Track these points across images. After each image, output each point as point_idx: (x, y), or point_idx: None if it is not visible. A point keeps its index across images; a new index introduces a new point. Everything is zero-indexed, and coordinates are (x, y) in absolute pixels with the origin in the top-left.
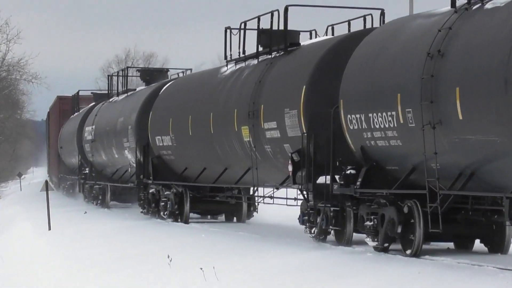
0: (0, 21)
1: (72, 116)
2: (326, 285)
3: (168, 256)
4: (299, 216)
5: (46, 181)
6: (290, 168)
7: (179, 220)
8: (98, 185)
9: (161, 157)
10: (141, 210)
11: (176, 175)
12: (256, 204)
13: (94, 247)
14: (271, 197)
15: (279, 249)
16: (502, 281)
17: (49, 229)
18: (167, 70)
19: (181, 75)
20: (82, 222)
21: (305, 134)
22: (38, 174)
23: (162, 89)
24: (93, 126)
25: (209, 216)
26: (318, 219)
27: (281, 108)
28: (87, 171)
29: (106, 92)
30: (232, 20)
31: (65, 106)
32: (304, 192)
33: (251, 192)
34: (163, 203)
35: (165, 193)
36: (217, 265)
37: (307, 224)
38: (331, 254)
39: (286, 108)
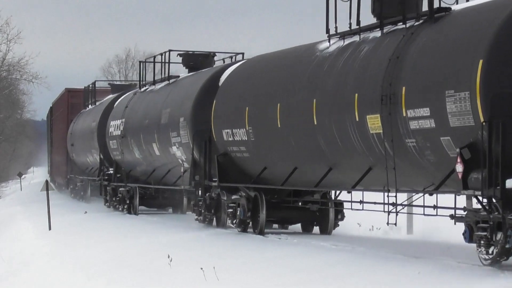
0: (1, 21)
1: (84, 110)
2: (326, 285)
3: (168, 256)
4: (465, 231)
5: (46, 181)
6: (460, 168)
7: (251, 230)
8: (124, 188)
9: (229, 155)
10: (196, 217)
11: (249, 176)
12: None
13: (94, 246)
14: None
15: (280, 249)
16: (502, 281)
17: (49, 229)
18: (214, 54)
19: (228, 60)
20: (82, 222)
21: (485, 123)
22: (38, 174)
23: (228, 73)
24: (123, 120)
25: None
26: (499, 236)
27: (439, 90)
28: (111, 171)
29: (124, 83)
30: (232, 19)
31: (75, 99)
32: (483, 200)
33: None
34: (231, 210)
35: (233, 197)
36: (218, 265)
37: (482, 242)
38: (331, 255)
39: (449, 90)
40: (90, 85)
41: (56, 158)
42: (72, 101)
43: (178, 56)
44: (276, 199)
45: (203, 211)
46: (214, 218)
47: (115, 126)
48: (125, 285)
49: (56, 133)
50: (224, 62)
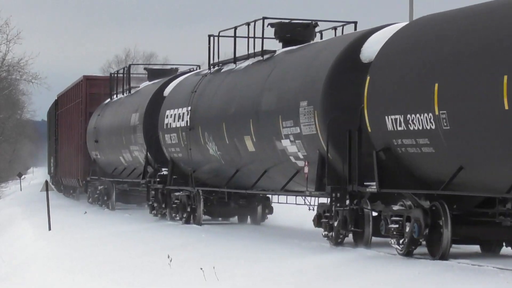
0: (0, 21)
1: (111, 100)
2: (326, 286)
3: (168, 256)
4: None
5: (46, 181)
6: None
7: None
8: (190, 192)
9: (393, 151)
10: (325, 233)
11: (421, 179)
12: None
13: (94, 247)
14: None
15: (280, 250)
16: (502, 281)
17: (49, 229)
18: (316, 24)
19: (331, 33)
20: (82, 222)
21: None
22: (38, 174)
23: (375, 40)
24: (188, 108)
25: None
26: None
27: None
28: (164, 172)
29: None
30: (233, 19)
31: (96, 88)
32: None
33: None
34: (395, 226)
35: (395, 208)
36: (217, 265)
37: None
38: (330, 255)
39: None
40: (121, 71)
41: (65, 157)
42: (91, 91)
43: (269, 26)
44: (460, 210)
45: (335, 225)
46: (351, 235)
47: (174, 117)
48: (125, 286)
49: (67, 129)
50: (322, 35)
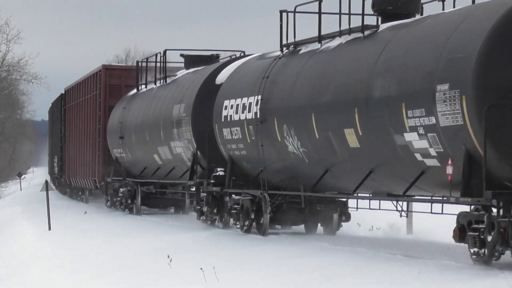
0: (0, 21)
1: (138, 92)
2: (326, 285)
3: (168, 256)
4: None
5: (46, 181)
6: None
7: None
8: (246, 196)
9: None
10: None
11: None
12: None
13: (94, 247)
14: None
15: (280, 249)
16: (502, 281)
17: (49, 229)
18: None
19: None
20: (82, 222)
21: None
22: (38, 174)
23: None
24: (258, 97)
25: None
26: None
27: None
28: (220, 173)
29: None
30: (233, 16)
31: (116, 79)
32: None
33: None
34: None
35: None
36: (217, 265)
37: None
38: (329, 255)
39: None
40: (152, 58)
41: (75, 156)
42: (112, 82)
43: None
44: None
45: (489, 240)
46: None
47: (237, 108)
48: (125, 286)
49: (78, 125)
50: (422, 11)
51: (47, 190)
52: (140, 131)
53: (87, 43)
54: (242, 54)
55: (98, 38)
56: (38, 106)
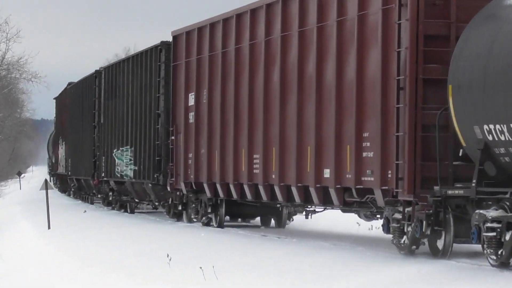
0: (0, 20)
1: None
2: (325, 285)
3: (168, 255)
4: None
5: (46, 180)
6: None
7: None
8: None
9: None
10: None
11: None
12: None
13: (94, 246)
14: None
15: (279, 249)
16: (502, 281)
17: (49, 228)
18: None
19: None
20: (81, 221)
21: None
22: (37, 173)
23: None
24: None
25: None
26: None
27: None
28: None
29: None
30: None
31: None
32: None
33: None
34: None
35: None
36: (217, 264)
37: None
38: (329, 254)
39: None
40: None
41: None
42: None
43: None
44: None
45: None
46: None
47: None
48: (124, 285)
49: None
50: None
51: (46, 189)
52: None
53: (87, 42)
54: None
55: (98, 37)
56: (37, 105)
